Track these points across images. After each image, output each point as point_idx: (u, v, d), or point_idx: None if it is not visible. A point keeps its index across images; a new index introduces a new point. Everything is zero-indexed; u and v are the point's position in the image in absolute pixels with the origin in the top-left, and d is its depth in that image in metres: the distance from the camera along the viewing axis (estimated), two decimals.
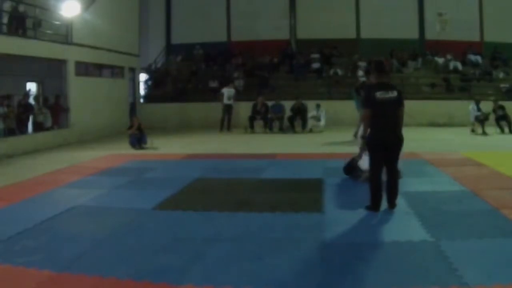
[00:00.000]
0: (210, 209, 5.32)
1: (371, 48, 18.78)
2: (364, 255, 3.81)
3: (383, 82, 5.13)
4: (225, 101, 15.17)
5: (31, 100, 12.18)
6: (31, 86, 13.25)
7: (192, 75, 18.61)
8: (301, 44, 19.90)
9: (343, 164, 8.00)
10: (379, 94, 4.97)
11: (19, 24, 11.40)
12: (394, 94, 5.00)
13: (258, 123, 14.82)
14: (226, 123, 15.18)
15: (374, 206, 5.05)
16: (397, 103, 4.98)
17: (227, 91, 15.32)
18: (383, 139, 4.98)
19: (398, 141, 5.02)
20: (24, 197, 6.05)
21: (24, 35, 11.40)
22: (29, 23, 11.70)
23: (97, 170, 8.04)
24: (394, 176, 5.13)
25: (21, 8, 11.61)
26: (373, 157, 5.07)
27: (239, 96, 16.03)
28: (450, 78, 17.07)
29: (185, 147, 11.21)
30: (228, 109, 15.23)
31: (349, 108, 12.09)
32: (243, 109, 15.34)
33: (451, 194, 5.77)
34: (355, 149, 10.13)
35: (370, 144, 5.06)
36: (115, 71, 16.02)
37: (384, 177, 5.11)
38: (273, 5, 20.36)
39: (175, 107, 17.19)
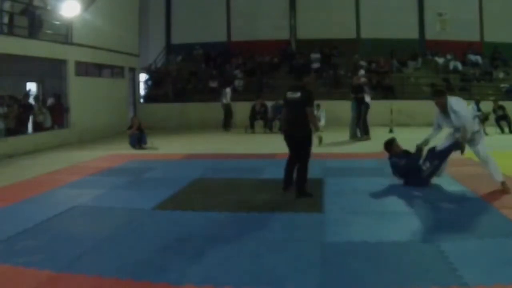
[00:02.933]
0: (210, 209, 5.32)
1: (371, 48, 18.81)
2: (364, 255, 3.81)
3: (294, 84, 5.85)
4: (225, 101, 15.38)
5: (31, 100, 12.19)
6: (31, 86, 13.26)
7: (192, 75, 18.61)
8: (301, 44, 19.90)
9: (343, 164, 8.00)
10: (288, 94, 5.72)
11: (32, 24, 11.41)
12: (297, 94, 5.59)
13: (258, 123, 14.84)
14: (225, 122, 15.37)
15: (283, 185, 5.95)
16: (301, 103, 5.54)
17: (227, 91, 15.53)
18: (286, 133, 5.83)
19: (298, 136, 5.63)
20: (24, 197, 6.05)
21: (35, 35, 11.39)
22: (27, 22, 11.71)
23: (97, 170, 8.04)
24: (300, 167, 5.67)
25: (35, 7, 11.69)
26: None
27: (239, 96, 16.05)
28: (450, 78, 17.08)
29: (185, 147, 11.22)
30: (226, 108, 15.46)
31: (349, 108, 12.10)
32: (243, 109, 15.34)
33: (451, 194, 5.77)
34: (354, 149, 10.17)
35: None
36: (115, 71, 16.03)
37: None
38: (273, 5, 20.38)
39: (175, 107, 17.20)
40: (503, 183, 5.71)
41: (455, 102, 5.80)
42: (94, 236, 4.43)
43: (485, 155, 5.84)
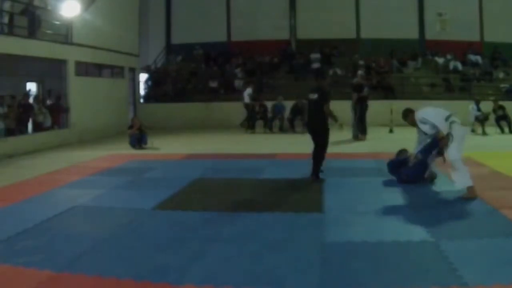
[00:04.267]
0: (210, 209, 5.32)
1: (371, 48, 18.80)
2: (364, 255, 3.81)
3: (313, 85, 6.95)
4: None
5: (31, 100, 12.19)
6: (31, 86, 13.25)
7: (192, 75, 18.61)
8: (301, 44, 19.89)
9: (343, 164, 8.00)
10: (309, 95, 6.77)
11: (30, 24, 11.41)
12: (315, 95, 6.64)
13: (258, 123, 14.82)
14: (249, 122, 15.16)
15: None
16: (318, 102, 6.59)
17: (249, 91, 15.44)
18: (308, 127, 7.00)
19: (317, 128, 6.72)
20: (24, 197, 6.05)
21: (33, 35, 11.39)
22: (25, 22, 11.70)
23: (97, 170, 8.04)
24: (318, 153, 6.75)
25: (35, 7, 11.70)
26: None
27: (239, 96, 16.04)
28: (450, 78, 17.07)
29: (185, 147, 11.22)
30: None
31: (348, 108, 12.09)
32: (243, 109, 15.32)
33: (451, 194, 5.76)
34: (354, 149, 10.17)
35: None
36: (115, 71, 16.03)
37: None
38: (273, 5, 20.37)
39: (175, 107, 17.20)
40: (469, 189, 5.48)
41: (421, 113, 6.00)
42: (94, 236, 4.44)
43: (454, 158, 5.57)
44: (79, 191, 6.36)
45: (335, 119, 6.70)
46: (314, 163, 6.78)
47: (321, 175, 6.80)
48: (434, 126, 5.81)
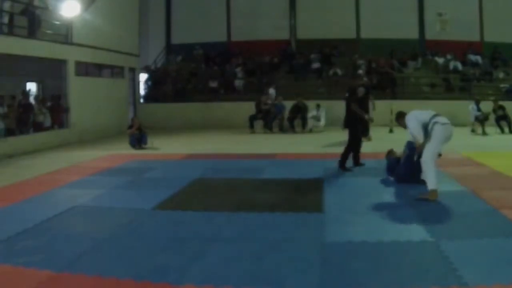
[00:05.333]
0: (210, 209, 5.33)
1: (371, 48, 18.77)
2: (364, 255, 3.81)
3: (349, 86, 8.06)
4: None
5: (31, 100, 12.19)
6: (31, 86, 13.24)
7: (192, 75, 18.61)
8: (301, 44, 19.89)
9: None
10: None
11: (30, 24, 11.41)
12: (347, 94, 7.70)
13: (258, 123, 14.81)
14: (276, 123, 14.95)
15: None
16: (348, 100, 7.61)
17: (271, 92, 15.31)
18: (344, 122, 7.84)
19: (347, 124, 7.64)
20: (24, 197, 6.05)
21: (33, 35, 11.39)
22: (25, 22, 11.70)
23: (97, 170, 8.04)
24: (346, 147, 7.57)
25: (35, 7, 11.69)
26: None
27: (239, 96, 16.02)
28: (450, 78, 17.07)
29: (185, 147, 11.22)
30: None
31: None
32: (243, 109, 15.33)
33: (451, 194, 5.76)
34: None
35: None
36: (115, 71, 16.02)
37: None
38: (273, 5, 20.35)
39: (175, 107, 17.20)
40: (430, 191, 5.45)
41: (406, 119, 6.11)
42: (94, 236, 4.44)
43: (426, 158, 5.60)
44: (79, 191, 6.37)
45: (362, 116, 7.55)
46: (341, 155, 7.55)
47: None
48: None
